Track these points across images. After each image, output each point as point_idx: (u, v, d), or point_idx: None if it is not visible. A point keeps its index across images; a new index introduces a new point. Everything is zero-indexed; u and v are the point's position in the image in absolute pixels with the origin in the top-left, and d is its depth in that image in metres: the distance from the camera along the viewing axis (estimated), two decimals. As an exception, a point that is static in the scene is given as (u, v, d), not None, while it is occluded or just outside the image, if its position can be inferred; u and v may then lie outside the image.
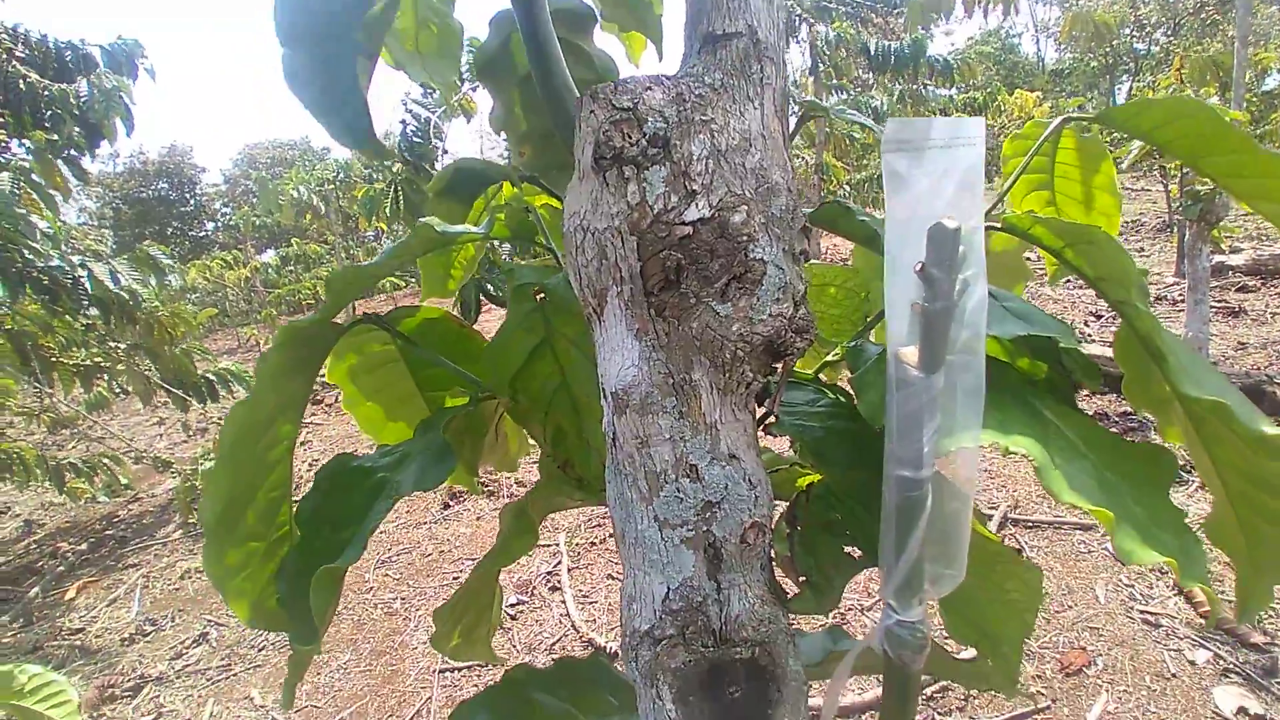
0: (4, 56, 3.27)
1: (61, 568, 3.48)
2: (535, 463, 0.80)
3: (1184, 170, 4.18)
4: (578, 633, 2.38)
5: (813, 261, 0.80)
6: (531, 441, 0.86)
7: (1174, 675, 1.78)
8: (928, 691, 1.90)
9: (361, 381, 0.90)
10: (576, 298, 0.59)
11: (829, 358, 0.67)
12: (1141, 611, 2.05)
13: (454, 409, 0.72)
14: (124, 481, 4.31)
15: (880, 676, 0.59)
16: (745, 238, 0.44)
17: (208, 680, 2.24)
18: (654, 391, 0.47)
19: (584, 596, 2.61)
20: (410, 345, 0.78)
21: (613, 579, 2.71)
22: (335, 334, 0.72)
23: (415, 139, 4.77)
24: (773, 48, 0.47)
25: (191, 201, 25.73)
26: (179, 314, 4.47)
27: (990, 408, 0.46)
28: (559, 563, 2.78)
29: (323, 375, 0.80)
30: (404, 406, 0.93)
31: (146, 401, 4.36)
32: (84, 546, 3.74)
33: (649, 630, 0.52)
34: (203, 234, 25.56)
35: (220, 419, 5.83)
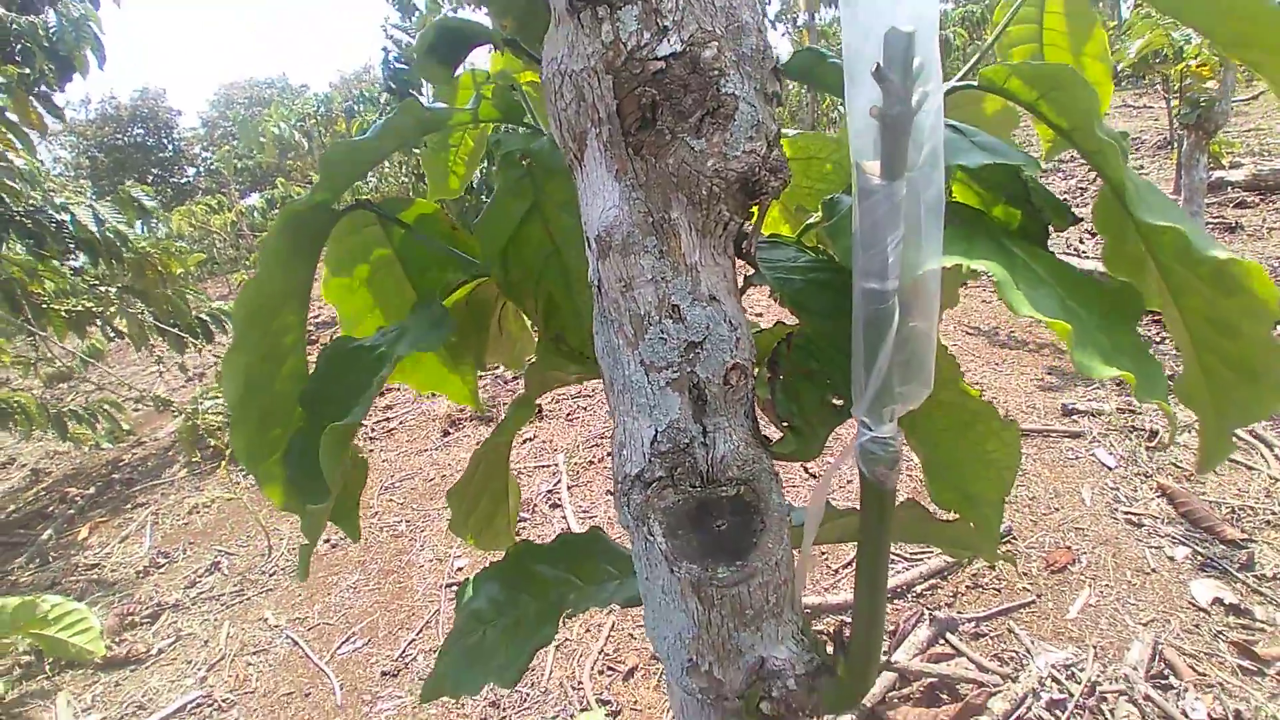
0: (-38, -12, 3.14)
1: (72, 511, 3.56)
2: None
3: (1185, 80, 4.10)
4: (579, 548, 2.46)
5: (805, 132, 0.80)
6: (534, 329, 0.88)
7: (1154, 570, 1.86)
8: (918, 588, 1.99)
9: (359, 291, 0.92)
10: (562, 160, 0.60)
11: (810, 221, 0.69)
12: (1125, 513, 2.13)
13: (452, 287, 0.74)
14: (125, 427, 4.36)
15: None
16: (716, 72, 0.45)
17: (222, 605, 2.33)
18: (635, 231, 0.48)
19: (584, 512, 2.70)
20: (411, 234, 0.79)
21: (610, 494, 2.80)
22: (332, 219, 0.73)
23: (399, 65, 4.63)
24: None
25: (170, 146, 25.07)
26: (170, 252, 4.43)
27: (958, 239, 0.48)
28: (559, 481, 2.85)
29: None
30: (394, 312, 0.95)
31: (140, 345, 4.37)
32: (91, 490, 3.81)
33: (639, 473, 0.55)
34: (184, 180, 25.01)
35: (218, 361, 5.87)
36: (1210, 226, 4.71)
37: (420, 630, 1.99)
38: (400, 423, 3.95)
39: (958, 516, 0.79)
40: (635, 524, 0.56)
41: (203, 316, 4.44)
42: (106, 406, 4.15)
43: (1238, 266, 0.49)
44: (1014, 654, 1.68)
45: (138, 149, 23.75)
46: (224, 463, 3.30)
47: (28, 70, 3.14)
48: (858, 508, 0.60)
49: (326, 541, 2.64)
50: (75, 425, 3.98)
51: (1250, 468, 2.24)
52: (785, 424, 0.60)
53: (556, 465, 2.97)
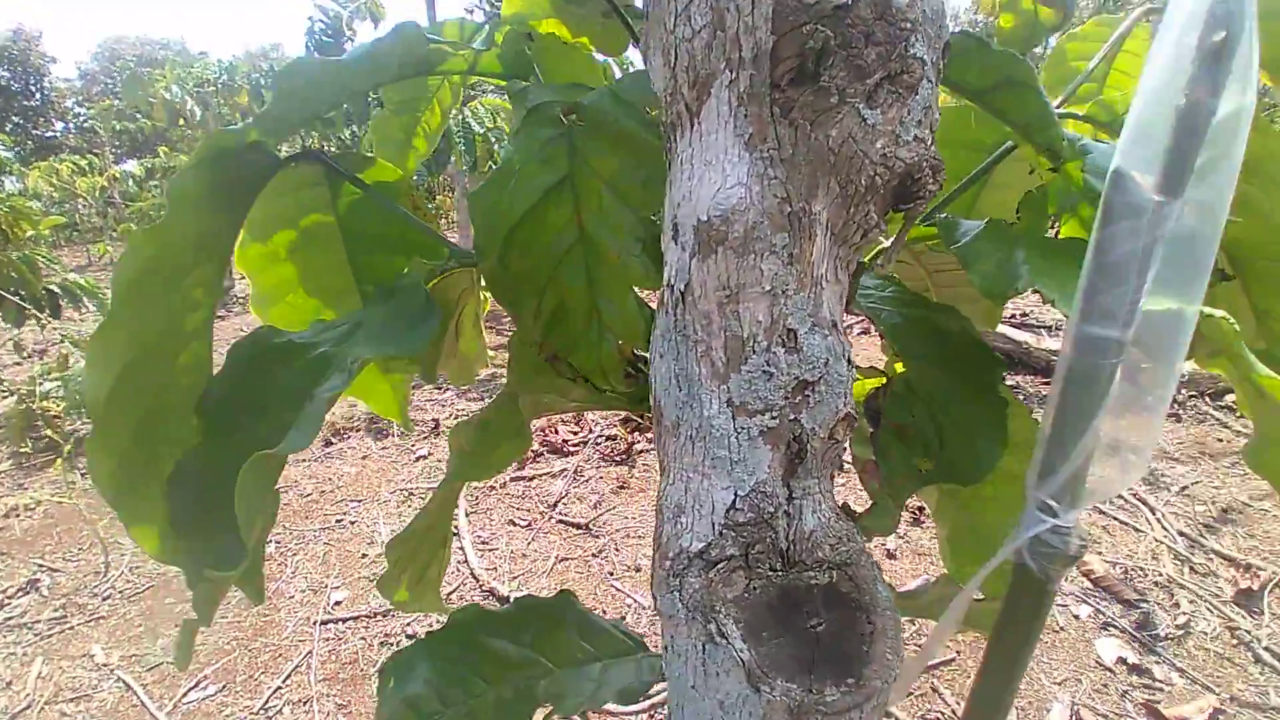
0: None
1: None
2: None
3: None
4: (477, 581, 2.24)
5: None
6: (490, 344, 0.71)
7: (1062, 628, 1.90)
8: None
9: (283, 268, 0.73)
10: (627, 123, 0.46)
11: (883, 244, 0.58)
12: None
13: (419, 271, 0.57)
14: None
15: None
16: (908, 26, 0.33)
17: (36, 635, 1.91)
18: (763, 223, 0.35)
19: (483, 543, 2.47)
20: (375, 202, 0.62)
21: (513, 524, 2.59)
22: (271, 165, 0.55)
23: (325, 38, 4.24)
24: None
25: (38, 95, 22.30)
26: (20, 210, 3.81)
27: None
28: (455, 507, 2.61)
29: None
30: (337, 305, 0.76)
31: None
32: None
33: (703, 550, 0.41)
34: (50, 134, 22.31)
35: (64, 340, 5.07)
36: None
37: (288, 676, 1.69)
38: (277, 426, 3.54)
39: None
40: (690, 617, 0.42)
41: (52, 287, 3.84)
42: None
43: None
44: (939, 714, 1.64)
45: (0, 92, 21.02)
46: (60, 459, 2.79)
47: None
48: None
49: (178, 561, 2.25)
50: None
51: (1137, 529, 2.37)
52: (882, 492, 0.48)
53: (456, 486, 2.73)
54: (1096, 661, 1.79)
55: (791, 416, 0.39)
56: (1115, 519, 2.45)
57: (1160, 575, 2.13)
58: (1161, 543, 2.30)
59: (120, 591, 2.09)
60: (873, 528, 0.50)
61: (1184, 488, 2.64)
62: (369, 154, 0.72)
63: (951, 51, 0.40)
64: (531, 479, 2.92)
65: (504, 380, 0.61)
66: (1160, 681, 1.73)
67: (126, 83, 6.88)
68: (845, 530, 0.43)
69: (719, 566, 0.41)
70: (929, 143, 0.37)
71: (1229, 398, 3.41)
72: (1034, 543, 0.36)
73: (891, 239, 0.44)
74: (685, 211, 0.37)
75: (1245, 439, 2.99)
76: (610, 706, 1.01)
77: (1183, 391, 3.40)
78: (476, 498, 2.75)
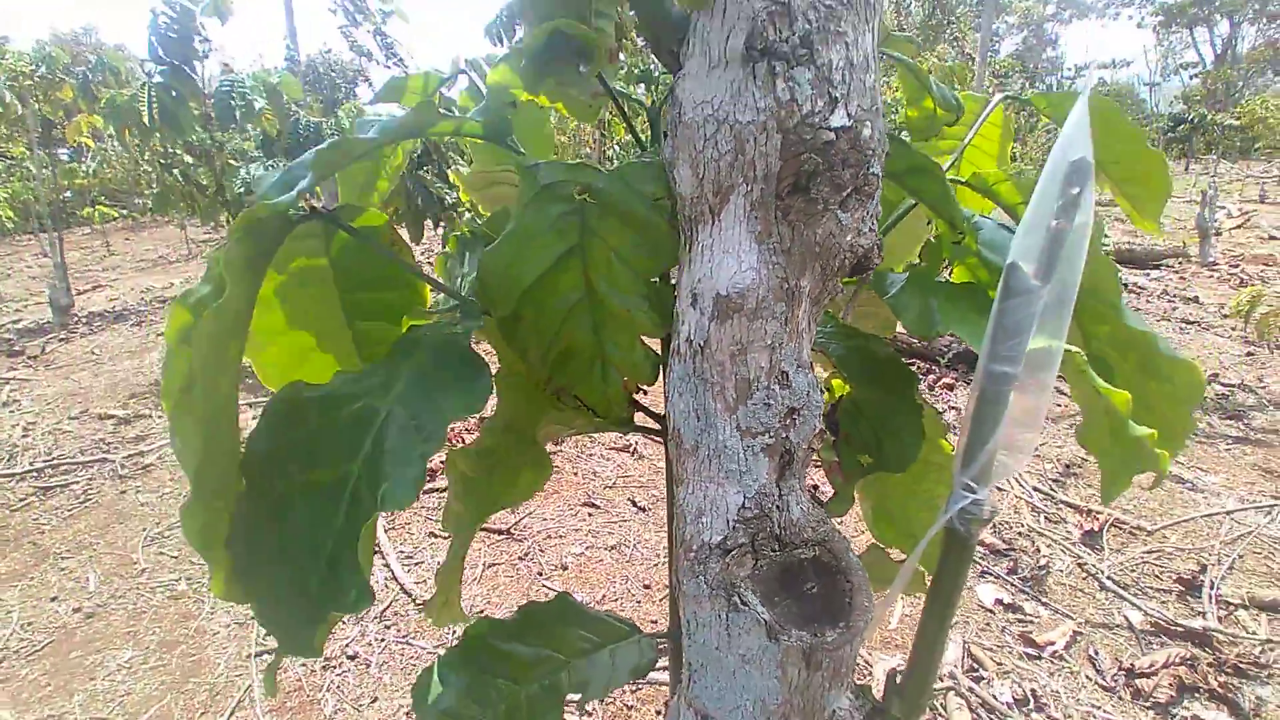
0: None
1: None
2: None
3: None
4: (409, 596, 2.25)
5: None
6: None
7: (944, 578, 2.19)
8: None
9: (272, 311, 0.77)
10: (633, 204, 0.56)
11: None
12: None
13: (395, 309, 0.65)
14: None
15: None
16: (871, 151, 0.46)
17: (-82, 702, 1.74)
18: (769, 296, 0.47)
19: (407, 557, 2.47)
20: (364, 245, 0.68)
21: (434, 537, 2.60)
22: (289, 227, 0.61)
23: (171, 34, 3.94)
24: (882, -31, 0.49)
25: None
26: None
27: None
28: (378, 526, 2.59)
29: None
30: (324, 346, 0.81)
31: None
32: None
33: (721, 541, 0.53)
34: None
35: None
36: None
37: (231, 714, 1.66)
38: (160, 456, 3.32)
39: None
40: (714, 593, 0.54)
41: None
42: None
43: (1184, 365, 0.62)
44: (857, 664, 1.86)
45: None
46: None
47: None
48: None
49: (78, 611, 2.09)
50: None
51: (999, 489, 2.74)
52: (841, 482, 0.61)
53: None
54: (979, 605, 2.08)
55: (784, 435, 0.51)
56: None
57: (1022, 526, 2.49)
58: (1020, 498, 2.67)
59: (15, 651, 1.92)
60: (835, 511, 0.64)
61: (1034, 450, 3.07)
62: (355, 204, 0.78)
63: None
64: (444, 489, 2.92)
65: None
66: (1030, 615, 2.04)
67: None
68: (819, 515, 0.56)
69: (733, 552, 0.53)
70: (876, 230, 0.50)
71: (1063, 367, 3.96)
72: (960, 512, 0.50)
73: (849, 298, 0.57)
74: (706, 285, 0.48)
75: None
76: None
77: (1027, 364, 3.91)
78: (393, 514, 2.73)
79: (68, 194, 10.54)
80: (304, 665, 1.84)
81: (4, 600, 2.14)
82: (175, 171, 5.56)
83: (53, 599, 2.17)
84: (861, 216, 0.47)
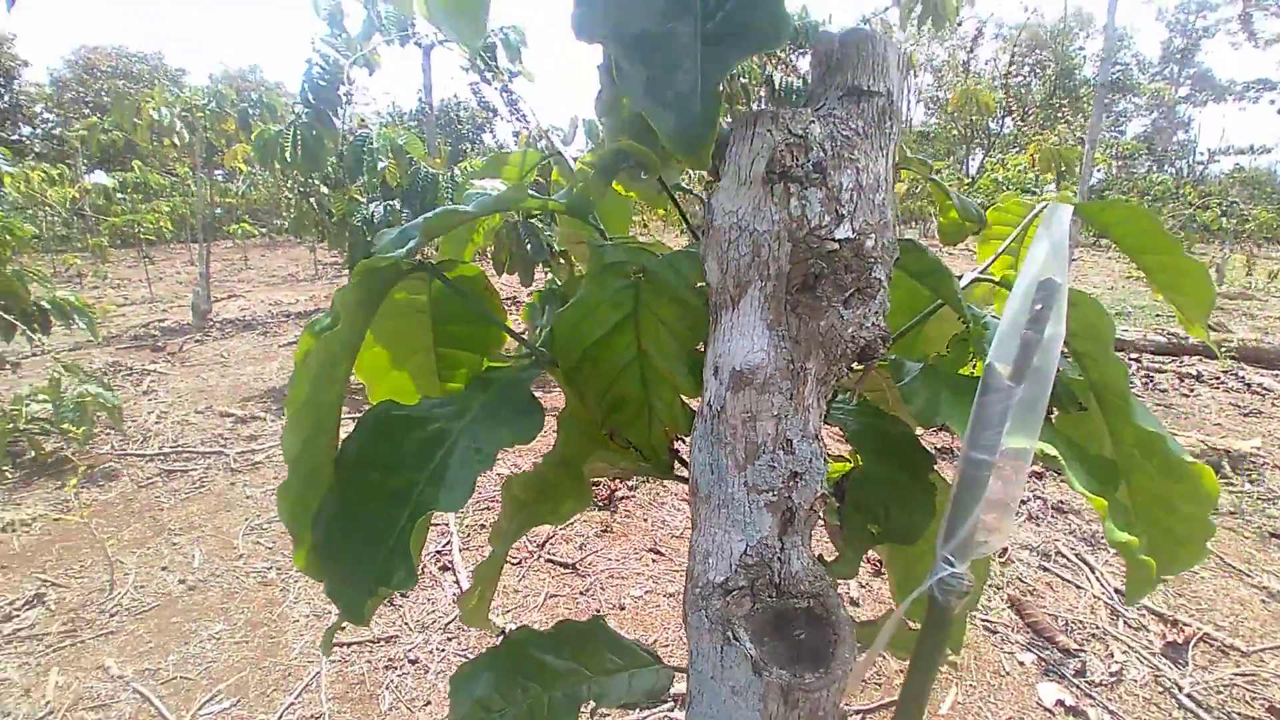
0: None
1: None
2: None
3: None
4: (468, 612, 2.37)
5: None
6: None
7: (1007, 673, 2.10)
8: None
9: (378, 327, 0.91)
10: (678, 283, 0.66)
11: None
12: (982, 620, 2.39)
13: (516, 369, 0.76)
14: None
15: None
16: (873, 260, 0.54)
17: (46, 647, 2.00)
18: (775, 374, 0.55)
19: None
20: (457, 294, 0.81)
21: (505, 563, 2.72)
22: (398, 276, 0.74)
23: (321, 82, 4.46)
24: (899, 110, 0.57)
25: (5, 98, 22.14)
26: (7, 226, 3.90)
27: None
28: (448, 543, 2.75)
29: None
30: (412, 359, 0.95)
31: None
32: None
33: (723, 581, 0.61)
34: (15, 138, 22.10)
35: (33, 355, 5.10)
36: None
37: (299, 694, 1.82)
38: (268, 456, 3.65)
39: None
40: (713, 627, 0.61)
41: (43, 304, 3.91)
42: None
43: (1195, 467, 0.65)
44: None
45: (-35, 93, 20.84)
46: (74, 480, 2.87)
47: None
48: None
49: (182, 583, 2.35)
50: None
51: (1078, 586, 2.59)
52: (845, 546, 0.68)
53: (446, 525, 2.87)
54: (1038, 703, 1.99)
55: (786, 494, 0.59)
56: (1059, 576, 2.67)
57: (1096, 628, 2.35)
58: (1099, 598, 2.52)
59: (127, 609, 2.19)
60: (838, 573, 0.70)
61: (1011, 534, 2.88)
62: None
63: (902, 248, 0.62)
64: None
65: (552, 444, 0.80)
66: (1092, 723, 1.93)
67: (115, 99, 6.96)
68: (819, 572, 0.62)
69: (733, 593, 0.60)
70: (882, 325, 0.58)
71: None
72: (940, 583, 0.56)
73: (857, 380, 0.65)
74: (725, 360, 0.57)
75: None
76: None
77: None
78: (469, 535, 2.88)
79: (218, 210, 11.78)
80: (368, 662, 1.99)
81: (124, 563, 2.43)
82: (311, 200, 6.19)
83: (163, 568, 2.45)
84: (864, 313, 0.55)
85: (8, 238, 3.88)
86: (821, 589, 0.62)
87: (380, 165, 4.72)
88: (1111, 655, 2.20)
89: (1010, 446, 0.52)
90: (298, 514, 0.67)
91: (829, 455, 0.82)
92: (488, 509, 3.07)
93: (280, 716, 1.72)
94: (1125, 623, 2.38)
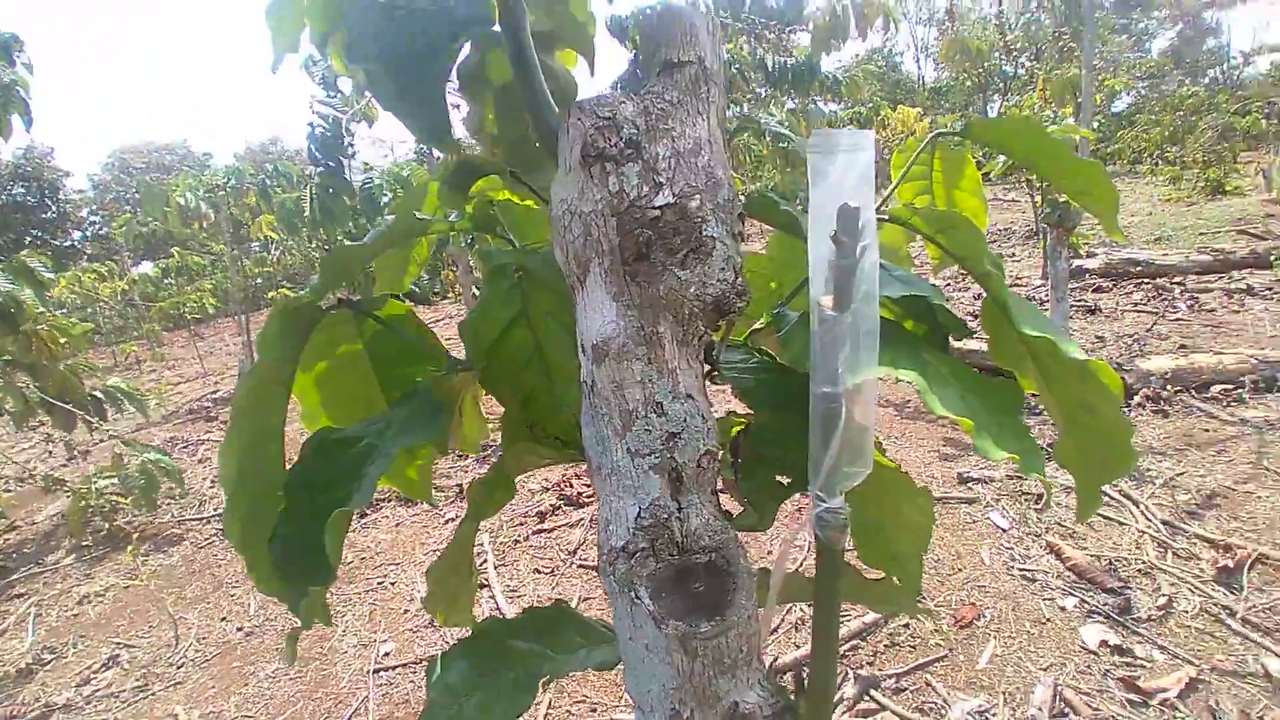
0: None
1: (-70, 605, 3.17)
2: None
3: (1044, 182, 4.71)
4: (511, 626, 2.43)
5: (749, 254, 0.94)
6: (488, 422, 0.96)
7: (1048, 620, 2.05)
8: (841, 649, 2.09)
9: (323, 392, 0.95)
10: (553, 275, 0.70)
11: (756, 326, 0.81)
12: (1020, 569, 2.33)
13: (431, 380, 0.81)
14: (-2, 510, 3.97)
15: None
16: (700, 219, 0.57)
17: (123, 703, 2.14)
18: (628, 342, 0.58)
19: (512, 591, 2.67)
20: (391, 332, 0.86)
21: (539, 573, 2.78)
22: (319, 314, 0.80)
23: (325, 136, 4.66)
24: (715, 73, 0.60)
25: (54, 208, 23.58)
26: (61, 328, 4.17)
27: (884, 350, 0.61)
28: (484, 560, 2.82)
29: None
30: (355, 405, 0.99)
31: (22, 423, 4.04)
32: (-46, 582, 3.42)
33: (624, 545, 0.64)
34: (68, 244, 23.51)
35: (101, 441, 5.44)
36: (1074, 309, 5.30)
37: (349, 718, 1.91)
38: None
39: (884, 575, 0.91)
40: (620, 589, 0.64)
41: (96, 393, 4.17)
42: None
43: (1091, 364, 0.65)
44: (933, 705, 1.79)
45: (17, 209, 22.21)
46: (131, 547, 3.06)
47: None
48: (800, 572, 0.70)
49: (240, 630, 2.49)
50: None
51: (1122, 523, 2.51)
52: (746, 500, 0.70)
53: (481, 544, 2.95)
54: (1081, 647, 1.94)
55: (668, 455, 0.62)
56: (1101, 516, 2.59)
57: (1143, 563, 2.28)
58: (1145, 533, 2.44)
59: (191, 660, 2.32)
60: (743, 525, 0.72)
61: (1168, 479, 2.78)
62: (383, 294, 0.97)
63: (755, 203, 0.65)
64: (552, 530, 3.12)
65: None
66: (1142, 659, 1.87)
67: (144, 192, 7.36)
68: (720, 526, 0.65)
69: (636, 555, 0.64)
70: (733, 279, 0.60)
71: (1215, 388, 3.56)
72: (817, 519, 0.58)
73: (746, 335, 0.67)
74: (587, 337, 0.61)
75: (1232, 427, 3.12)
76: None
77: (1168, 388, 3.54)
78: (504, 553, 2.95)
79: (258, 280, 12.30)
80: (412, 683, 2.07)
81: (187, 618, 2.57)
82: (337, 255, 6.46)
83: (222, 619, 2.59)
84: (703, 271, 0.58)
85: (61, 338, 4.15)
86: (722, 542, 0.65)
87: (383, 201, 4.89)
88: (1159, 589, 2.13)
89: (852, 373, 0.54)
90: (245, 537, 0.73)
91: (736, 415, 0.84)
92: (521, 524, 3.14)
93: (332, 742, 1.81)
94: (1174, 554, 2.30)
